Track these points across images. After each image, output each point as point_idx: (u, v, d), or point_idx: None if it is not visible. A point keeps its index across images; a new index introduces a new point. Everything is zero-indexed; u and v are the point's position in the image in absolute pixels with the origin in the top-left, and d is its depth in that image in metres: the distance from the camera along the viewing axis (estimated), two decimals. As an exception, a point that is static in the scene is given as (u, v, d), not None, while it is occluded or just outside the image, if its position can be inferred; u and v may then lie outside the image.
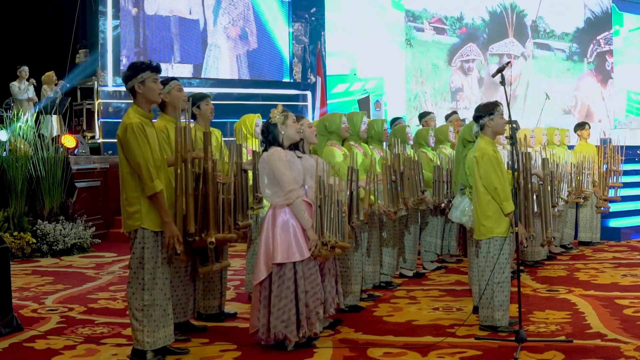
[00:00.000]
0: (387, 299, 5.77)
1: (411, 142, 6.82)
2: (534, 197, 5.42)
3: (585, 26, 17.07)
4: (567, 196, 7.59)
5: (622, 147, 8.68)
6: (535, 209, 5.62)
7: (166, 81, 4.57)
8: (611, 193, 8.59)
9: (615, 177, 8.53)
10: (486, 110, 4.81)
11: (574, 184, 7.80)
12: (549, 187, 6.08)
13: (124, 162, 3.95)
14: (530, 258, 7.12)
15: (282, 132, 4.36)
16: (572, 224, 8.33)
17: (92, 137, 12.02)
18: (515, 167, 4.68)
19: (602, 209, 8.49)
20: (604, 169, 8.47)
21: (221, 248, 4.70)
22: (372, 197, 5.31)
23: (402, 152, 5.74)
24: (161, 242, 3.99)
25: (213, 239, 4.06)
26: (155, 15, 12.47)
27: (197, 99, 5.05)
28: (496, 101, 4.89)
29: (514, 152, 4.54)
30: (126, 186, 3.96)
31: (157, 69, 4.04)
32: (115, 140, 4.07)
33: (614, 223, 9.39)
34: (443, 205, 6.60)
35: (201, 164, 4.14)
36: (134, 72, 3.99)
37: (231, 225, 4.53)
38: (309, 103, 13.57)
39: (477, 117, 4.86)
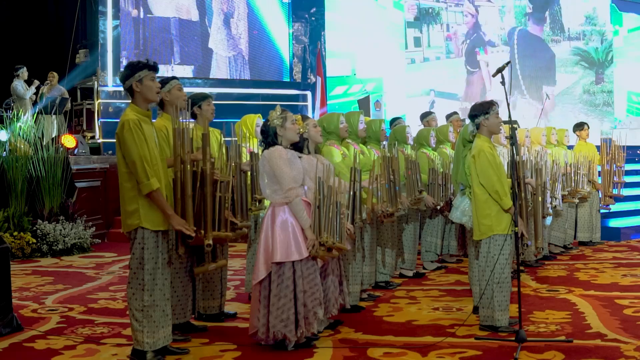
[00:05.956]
0: (387, 299, 5.77)
1: (410, 142, 6.82)
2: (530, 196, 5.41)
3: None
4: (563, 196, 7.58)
5: (622, 147, 8.70)
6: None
7: (166, 80, 4.58)
8: (614, 191, 8.61)
9: (618, 175, 8.56)
10: (481, 110, 4.80)
11: (573, 184, 7.80)
12: (540, 197, 6.05)
13: (122, 161, 3.93)
14: (528, 258, 7.12)
15: (281, 135, 4.35)
16: (572, 224, 8.33)
17: (92, 137, 12.02)
18: (516, 162, 4.65)
19: (607, 205, 8.54)
20: (608, 167, 8.49)
21: (218, 247, 4.67)
22: (374, 198, 5.30)
23: (401, 151, 5.73)
24: (161, 243, 3.98)
25: (210, 242, 4.04)
26: (155, 16, 12.47)
27: (199, 99, 5.04)
28: (492, 100, 4.88)
29: (514, 152, 4.52)
30: (123, 185, 3.95)
31: (155, 68, 4.02)
32: (115, 140, 4.07)
33: (614, 223, 9.39)
34: (440, 207, 6.58)
35: (199, 165, 4.13)
36: (131, 71, 3.98)
37: (228, 224, 4.50)
38: (309, 103, 13.57)
39: (472, 116, 4.84)
